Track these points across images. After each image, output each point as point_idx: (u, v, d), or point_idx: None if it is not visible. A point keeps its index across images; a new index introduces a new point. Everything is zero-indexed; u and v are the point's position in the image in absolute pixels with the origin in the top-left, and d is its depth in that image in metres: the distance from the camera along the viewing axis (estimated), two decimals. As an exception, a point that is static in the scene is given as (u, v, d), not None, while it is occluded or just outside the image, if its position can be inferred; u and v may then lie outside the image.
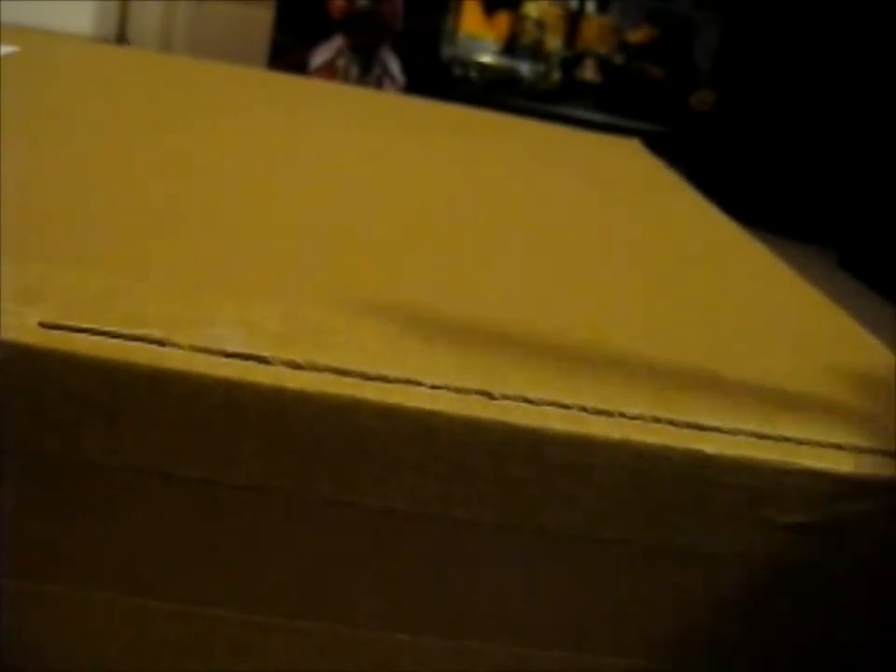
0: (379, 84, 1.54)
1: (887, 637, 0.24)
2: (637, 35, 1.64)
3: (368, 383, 0.21)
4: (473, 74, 1.63)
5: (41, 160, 0.32)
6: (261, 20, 1.59)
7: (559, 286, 0.30)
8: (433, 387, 0.22)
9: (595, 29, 1.64)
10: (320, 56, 1.55)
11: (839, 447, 0.23)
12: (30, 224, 0.26)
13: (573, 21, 1.65)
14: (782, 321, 0.32)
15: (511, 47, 1.66)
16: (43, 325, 0.21)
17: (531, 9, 1.63)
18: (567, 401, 0.22)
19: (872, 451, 0.23)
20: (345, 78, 1.54)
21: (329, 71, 1.55)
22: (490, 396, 0.22)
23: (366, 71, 1.55)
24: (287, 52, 1.54)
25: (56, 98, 0.42)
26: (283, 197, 0.34)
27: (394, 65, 1.55)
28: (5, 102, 0.37)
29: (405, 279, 0.28)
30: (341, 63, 1.55)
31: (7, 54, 0.47)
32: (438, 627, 0.23)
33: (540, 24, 1.63)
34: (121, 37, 1.68)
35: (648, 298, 0.31)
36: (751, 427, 0.23)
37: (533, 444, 0.22)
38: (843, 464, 0.23)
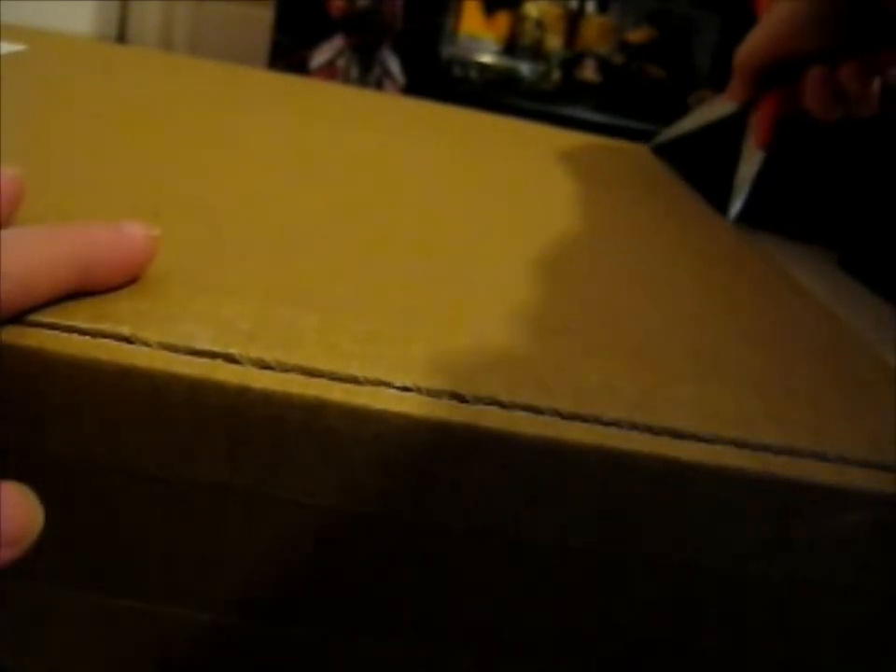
0: (379, 84, 1.54)
1: (863, 652, 0.23)
2: (636, 35, 1.63)
3: (336, 383, 0.21)
4: (473, 74, 1.62)
5: (32, 153, 0.32)
6: (261, 20, 1.58)
7: (546, 287, 0.30)
8: (403, 389, 0.21)
9: (595, 29, 1.64)
10: (320, 56, 1.54)
11: (823, 457, 0.22)
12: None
13: (573, 20, 1.64)
14: (776, 328, 0.31)
15: (511, 47, 1.66)
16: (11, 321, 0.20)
17: (531, 9, 1.63)
18: (541, 405, 0.22)
19: (857, 462, 0.22)
20: (345, 78, 1.53)
21: (329, 71, 1.55)
22: (461, 398, 0.21)
23: (366, 71, 1.55)
24: (288, 52, 1.53)
25: (58, 94, 0.42)
26: (270, 195, 0.33)
27: (394, 65, 1.54)
28: (9, 97, 0.37)
29: (385, 281, 0.27)
30: (341, 63, 1.55)
31: (14, 52, 0.47)
32: (403, 633, 0.23)
33: (540, 24, 1.63)
34: (121, 37, 1.68)
35: (637, 302, 0.31)
36: (731, 434, 0.22)
37: (503, 450, 0.21)
38: (823, 475, 0.22)
